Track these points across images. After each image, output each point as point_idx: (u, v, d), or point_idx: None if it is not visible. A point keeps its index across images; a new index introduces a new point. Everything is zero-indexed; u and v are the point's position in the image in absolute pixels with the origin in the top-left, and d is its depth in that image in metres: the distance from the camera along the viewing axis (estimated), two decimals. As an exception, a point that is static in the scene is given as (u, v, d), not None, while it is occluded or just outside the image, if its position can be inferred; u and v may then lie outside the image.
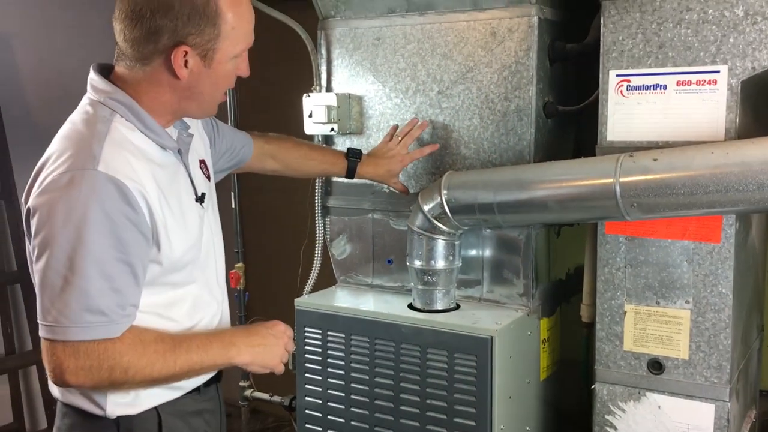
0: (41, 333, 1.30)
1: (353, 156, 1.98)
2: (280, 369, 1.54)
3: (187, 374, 1.41)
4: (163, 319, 1.44)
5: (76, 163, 1.28)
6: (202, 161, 1.60)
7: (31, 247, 1.32)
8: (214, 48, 1.35)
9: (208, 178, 1.62)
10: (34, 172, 1.35)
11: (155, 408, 1.46)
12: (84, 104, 1.41)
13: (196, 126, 1.62)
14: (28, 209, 1.31)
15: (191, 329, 1.49)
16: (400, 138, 1.99)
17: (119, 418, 1.43)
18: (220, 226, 1.64)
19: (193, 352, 1.39)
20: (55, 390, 1.46)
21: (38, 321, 1.30)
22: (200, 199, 1.52)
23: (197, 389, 1.54)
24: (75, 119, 1.39)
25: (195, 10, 1.31)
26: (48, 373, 1.32)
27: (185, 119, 1.54)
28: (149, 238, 1.35)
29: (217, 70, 1.38)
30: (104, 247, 1.27)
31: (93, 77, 1.41)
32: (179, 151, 1.48)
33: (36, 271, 1.30)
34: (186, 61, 1.34)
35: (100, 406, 1.41)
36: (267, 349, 1.50)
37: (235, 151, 1.83)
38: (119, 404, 1.42)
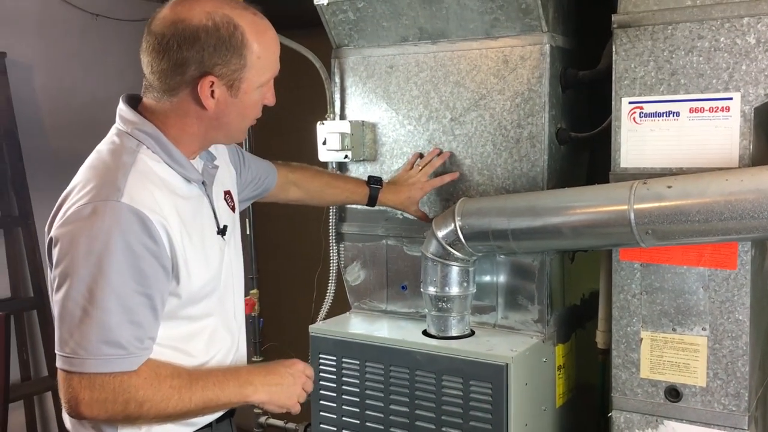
0: (58, 364, 1.29)
1: (374, 183, 2.00)
2: (296, 409, 1.53)
3: (202, 411, 1.40)
4: (179, 353, 1.42)
5: (100, 194, 1.29)
6: (227, 192, 1.60)
7: (51, 277, 1.33)
8: (241, 78, 1.36)
9: (233, 209, 1.61)
10: (58, 202, 1.36)
11: None
12: (111, 134, 1.42)
13: (222, 157, 1.63)
14: (50, 239, 1.32)
15: (207, 363, 1.47)
16: (421, 167, 2.02)
17: None
18: (241, 258, 1.63)
19: (209, 389, 1.38)
20: (67, 421, 1.44)
21: (56, 351, 1.30)
22: (222, 231, 1.51)
23: (209, 425, 1.52)
24: (101, 149, 1.40)
25: (221, 41, 1.31)
26: (63, 404, 1.31)
27: (212, 150, 1.55)
28: (169, 271, 1.34)
29: (244, 100, 1.39)
30: (124, 279, 1.27)
31: (122, 108, 1.42)
32: (203, 183, 1.48)
33: (56, 301, 1.30)
34: (213, 92, 1.35)
35: None
36: (284, 388, 1.49)
37: (260, 180, 1.83)
38: None
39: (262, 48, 1.36)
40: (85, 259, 1.25)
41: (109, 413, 1.30)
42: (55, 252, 1.30)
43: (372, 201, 2.00)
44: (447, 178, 2.01)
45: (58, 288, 1.29)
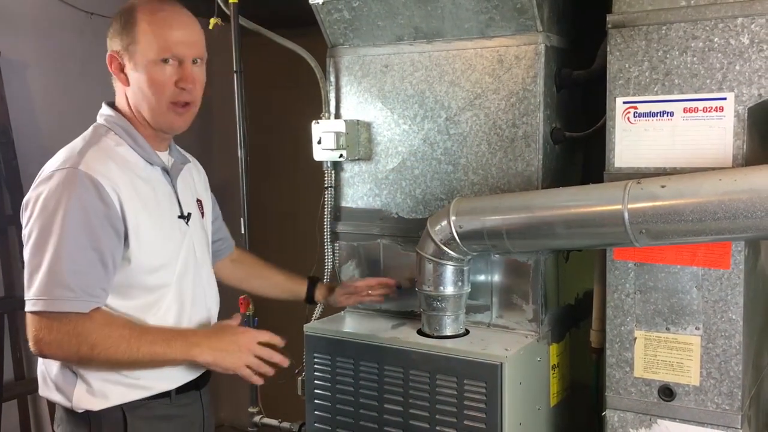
0: (26, 308, 1.47)
1: (312, 283, 2.12)
2: (245, 373, 1.60)
3: (149, 364, 1.54)
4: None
5: (62, 164, 1.51)
6: (198, 200, 1.81)
7: (23, 236, 1.52)
8: (134, 50, 1.58)
9: (202, 215, 1.82)
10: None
11: (120, 407, 1.56)
12: (89, 129, 1.66)
13: (200, 177, 1.89)
14: (22, 204, 1.53)
15: None
16: (369, 287, 2.08)
17: (89, 414, 1.55)
18: (207, 254, 1.82)
19: (157, 345, 1.52)
20: (41, 383, 1.62)
21: (24, 298, 1.48)
22: (185, 217, 1.70)
23: (167, 394, 1.62)
24: (77, 138, 1.62)
25: (119, 24, 1.59)
26: (30, 346, 1.48)
27: (189, 159, 1.83)
28: (120, 233, 1.52)
29: (144, 73, 1.58)
30: (76, 233, 1.46)
31: (102, 107, 1.68)
32: (167, 171, 1.68)
33: (24, 255, 1.50)
34: (122, 67, 1.60)
35: (67, 397, 1.55)
36: (229, 354, 1.59)
37: (219, 240, 2.00)
38: (83, 398, 1.54)
39: (149, 24, 1.57)
40: (43, 215, 1.47)
41: (64, 352, 1.48)
42: (25, 214, 1.52)
43: (310, 298, 2.12)
44: (366, 300, 2.10)
45: (26, 243, 1.49)
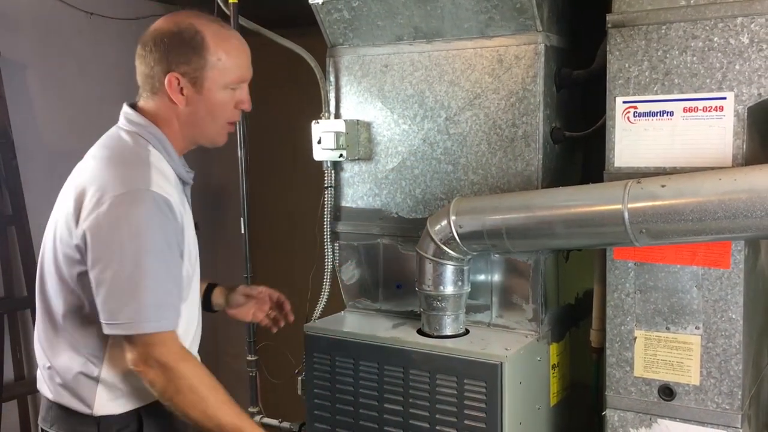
0: (114, 331, 1.46)
1: (209, 289, 1.96)
2: None
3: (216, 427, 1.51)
4: None
5: (132, 184, 1.47)
6: None
7: (90, 261, 1.47)
8: (203, 76, 1.55)
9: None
10: (74, 196, 1.51)
11: (137, 409, 1.58)
12: (119, 134, 1.59)
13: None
14: (85, 231, 1.46)
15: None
16: (269, 308, 2.02)
17: (101, 416, 1.55)
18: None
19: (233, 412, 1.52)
20: (45, 389, 1.61)
21: (106, 322, 1.46)
22: (197, 227, 1.70)
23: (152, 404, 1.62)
24: (114, 146, 1.58)
25: (183, 43, 1.53)
26: (138, 369, 1.48)
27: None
28: (182, 250, 1.55)
29: (209, 98, 1.57)
30: (163, 253, 1.47)
31: (128, 111, 1.60)
32: (183, 183, 1.65)
33: (100, 280, 1.45)
34: (181, 89, 1.55)
35: (87, 403, 1.55)
36: None
37: None
38: (105, 404, 1.55)
39: (222, 51, 1.56)
40: (129, 240, 1.44)
41: (164, 383, 1.47)
42: (94, 238, 1.45)
43: (208, 305, 1.95)
44: (257, 318, 2.02)
45: (104, 268, 1.45)
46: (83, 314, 1.53)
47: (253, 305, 2.00)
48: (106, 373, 1.55)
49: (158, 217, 1.47)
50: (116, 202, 1.45)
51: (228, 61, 1.56)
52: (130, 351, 1.48)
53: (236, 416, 1.51)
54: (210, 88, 1.56)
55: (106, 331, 1.47)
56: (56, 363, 1.58)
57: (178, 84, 1.54)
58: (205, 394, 1.49)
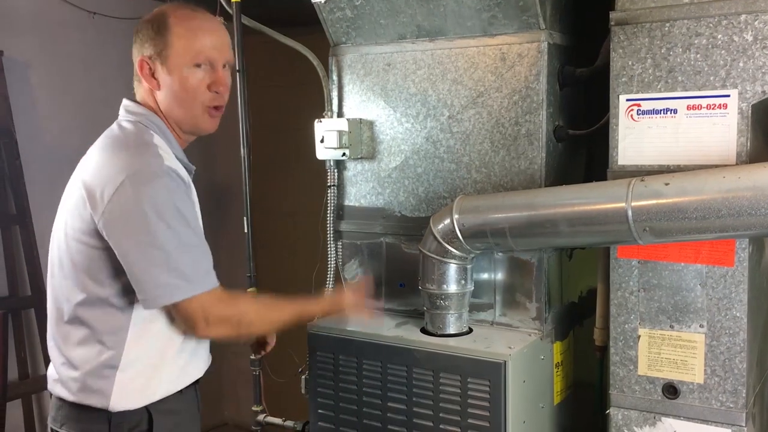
0: (160, 303, 1.51)
1: None
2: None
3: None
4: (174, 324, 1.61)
5: (146, 163, 1.52)
6: None
7: (118, 243, 1.50)
8: (167, 55, 1.59)
9: None
10: (82, 186, 1.54)
11: (146, 407, 1.59)
12: (122, 125, 1.63)
13: None
14: (105, 215, 1.49)
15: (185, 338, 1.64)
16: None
17: (113, 413, 1.56)
18: None
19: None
20: (58, 388, 1.62)
21: (148, 297, 1.50)
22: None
23: (180, 390, 1.66)
24: (118, 135, 1.61)
25: (151, 28, 1.61)
26: (190, 330, 1.57)
27: None
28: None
29: (178, 78, 1.60)
30: (188, 220, 1.53)
31: (126, 103, 1.66)
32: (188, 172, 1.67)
33: (136, 259, 1.49)
34: (152, 72, 1.61)
35: (105, 397, 1.56)
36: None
37: None
38: (121, 399, 1.56)
39: (184, 29, 1.60)
40: (155, 213, 1.47)
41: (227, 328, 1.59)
42: (117, 219, 1.49)
43: None
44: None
45: (136, 246, 1.49)
46: (103, 299, 1.54)
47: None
48: (126, 358, 1.56)
49: (177, 188, 1.52)
50: (134, 182, 1.48)
51: (188, 38, 1.60)
52: (187, 319, 1.54)
53: (291, 307, 1.71)
54: (175, 67, 1.59)
55: (151, 306, 1.51)
56: (73, 356, 1.58)
57: (149, 67, 1.61)
58: (263, 312, 1.69)
